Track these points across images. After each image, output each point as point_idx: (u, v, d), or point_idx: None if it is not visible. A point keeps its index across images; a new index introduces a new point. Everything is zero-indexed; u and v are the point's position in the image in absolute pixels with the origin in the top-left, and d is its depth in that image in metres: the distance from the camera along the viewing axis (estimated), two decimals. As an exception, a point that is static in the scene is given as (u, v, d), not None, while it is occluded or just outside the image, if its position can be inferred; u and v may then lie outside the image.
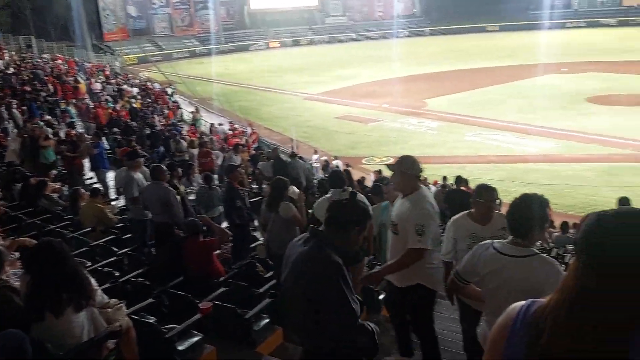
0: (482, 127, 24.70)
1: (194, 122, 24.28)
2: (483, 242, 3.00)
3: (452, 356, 4.84)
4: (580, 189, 16.34)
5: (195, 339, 4.36)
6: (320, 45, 66.82)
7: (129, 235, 7.70)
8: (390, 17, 72.22)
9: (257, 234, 8.63)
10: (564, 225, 10.75)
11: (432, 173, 16.98)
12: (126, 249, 6.81)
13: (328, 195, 5.42)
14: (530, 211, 2.85)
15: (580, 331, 1.27)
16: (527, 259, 2.80)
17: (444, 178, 14.68)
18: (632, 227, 1.27)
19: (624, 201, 7.82)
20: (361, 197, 4.55)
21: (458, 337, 4.71)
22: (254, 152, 17.64)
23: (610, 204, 11.31)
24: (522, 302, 1.46)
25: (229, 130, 22.61)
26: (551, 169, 18.56)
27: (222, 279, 5.76)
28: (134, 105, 22.38)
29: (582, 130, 22.67)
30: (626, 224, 1.28)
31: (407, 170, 3.95)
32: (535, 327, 1.36)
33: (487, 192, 3.96)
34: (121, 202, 9.43)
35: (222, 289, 5.27)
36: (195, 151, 14.06)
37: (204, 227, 6.22)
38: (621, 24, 63.35)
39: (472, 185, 12.31)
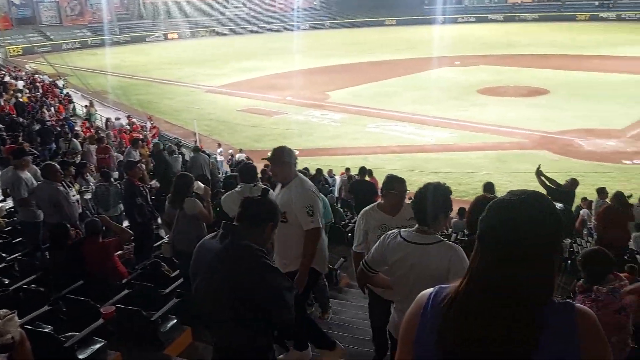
0: (383, 118, 25.45)
1: (88, 117, 22.98)
2: (390, 232, 3.07)
3: (360, 343, 4.96)
4: (474, 176, 17.33)
5: (98, 345, 4.12)
6: (221, 37, 65.65)
7: (19, 239, 7.15)
8: (291, 9, 72.46)
9: (161, 232, 8.33)
10: (462, 211, 11.34)
11: (336, 164, 17.31)
12: (17, 254, 6.32)
13: (238, 189, 5.32)
14: (434, 199, 2.96)
15: (487, 315, 1.32)
16: (432, 245, 2.90)
17: (347, 169, 14.99)
18: (527, 209, 1.33)
19: (488, 186, 8.30)
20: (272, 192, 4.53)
21: (366, 324, 4.82)
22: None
23: (501, 189, 12.07)
24: (431, 289, 1.49)
25: (127, 125, 21.61)
26: (448, 158, 19.50)
27: (124, 280, 5.49)
28: (21, 99, 20.73)
29: (475, 120, 24.01)
30: (521, 207, 1.34)
31: (287, 159, 4.13)
32: (445, 313, 1.39)
33: (398, 184, 4.06)
34: (9, 203, 8.72)
35: (125, 291, 5.02)
36: (93, 147, 13.28)
37: (103, 227, 5.90)
38: (507, 19, 68.15)
39: (376, 175, 12.68)
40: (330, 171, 15.78)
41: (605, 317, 3.30)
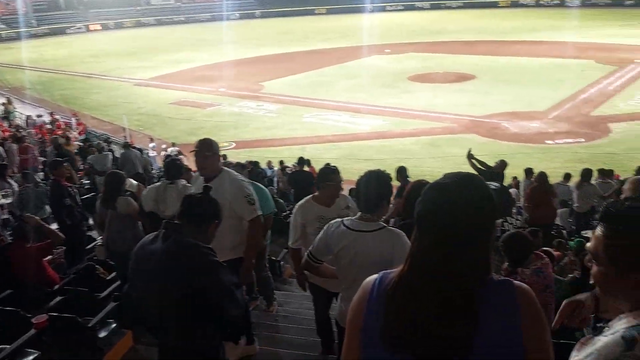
0: (318, 107, 25.50)
1: (7, 115, 21.69)
2: (333, 221, 3.07)
3: (307, 333, 4.97)
4: (408, 161, 17.61)
5: (31, 357, 3.90)
6: (147, 28, 63.57)
7: None
8: (221, -2, 71.09)
9: (94, 234, 8.00)
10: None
11: (274, 155, 17.23)
12: None
13: (155, 185, 5.16)
14: (377, 187, 2.98)
15: (428, 299, 1.33)
16: (376, 232, 2.92)
17: (280, 162, 14.95)
18: (461, 191, 1.36)
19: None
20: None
21: (312, 313, 4.82)
22: (81, 144, 16.26)
23: (434, 173, 12.42)
24: (376, 275, 1.50)
25: (48, 122, 20.54)
26: (383, 145, 19.77)
27: (57, 286, 5.22)
28: None
29: (407, 107, 24.51)
30: (456, 189, 1.37)
31: (216, 151, 4.10)
32: (389, 298, 1.40)
33: (334, 175, 4.08)
34: None
35: (58, 298, 4.77)
36: (15, 147, 12.51)
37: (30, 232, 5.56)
38: (433, 7, 69.81)
39: (314, 165, 12.70)
40: (269, 163, 15.69)
41: None
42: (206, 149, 4.02)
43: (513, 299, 1.36)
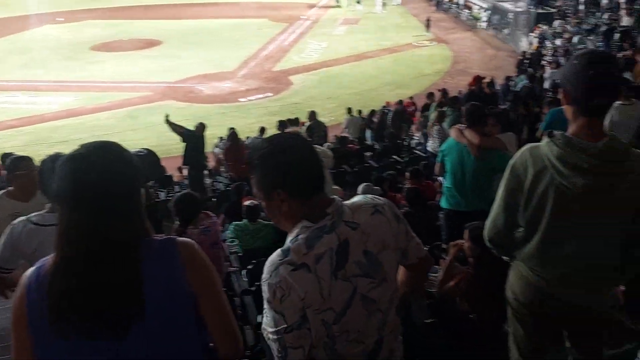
0: (-13, 90, 22.01)
1: None
2: (16, 221, 2.71)
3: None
4: (108, 138, 16.73)
5: None
6: None
7: None
8: None
9: None
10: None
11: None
12: None
13: None
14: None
15: (91, 273, 1.33)
16: None
17: None
18: (99, 161, 1.36)
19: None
20: None
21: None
22: None
23: (138, 145, 12.11)
24: (32, 268, 1.41)
25: None
26: (77, 123, 18.22)
27: None
28: None
29: (96, 79, 22.94)
30: (95, 160, 1.36)
31: None
32: (51, 284, 1.34)
33: (24, 162, 3.62)
34: None
35: None
36: None
37: None
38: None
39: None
40: None
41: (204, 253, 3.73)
42: None
43: (175, 252, 1.42)
